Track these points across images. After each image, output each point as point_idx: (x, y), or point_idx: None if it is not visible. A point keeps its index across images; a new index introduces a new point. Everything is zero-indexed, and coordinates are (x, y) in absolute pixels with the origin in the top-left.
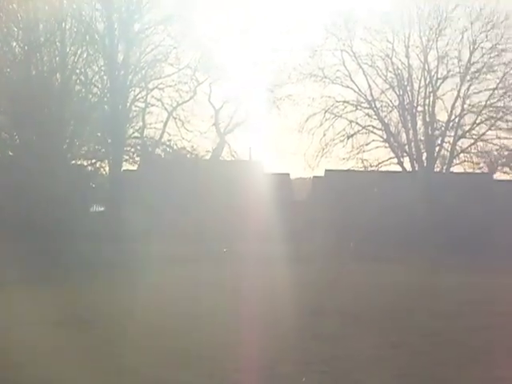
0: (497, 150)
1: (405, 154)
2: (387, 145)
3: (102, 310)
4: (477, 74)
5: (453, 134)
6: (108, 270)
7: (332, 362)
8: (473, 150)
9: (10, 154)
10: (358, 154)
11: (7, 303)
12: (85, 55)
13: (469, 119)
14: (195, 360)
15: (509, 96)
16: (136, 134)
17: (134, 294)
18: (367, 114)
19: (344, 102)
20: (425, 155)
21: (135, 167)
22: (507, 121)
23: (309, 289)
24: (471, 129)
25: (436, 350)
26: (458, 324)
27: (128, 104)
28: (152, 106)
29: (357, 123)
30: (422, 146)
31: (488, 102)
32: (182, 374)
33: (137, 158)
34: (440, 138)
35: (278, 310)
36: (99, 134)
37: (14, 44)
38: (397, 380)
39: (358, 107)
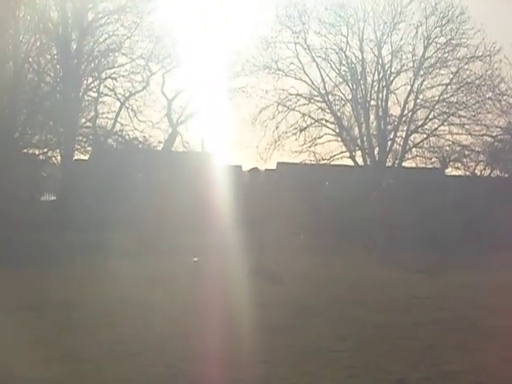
0: (449, 145)
1: (357, 148)
2: (339, 139)
3: (44, 298)
4: (430, 69)
5: (405, 128)
6: (51, 261)
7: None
8: (425, 145)
9: None
10: (310, 147)
11: None
12: (38, 44)
13: (421, 114)
14: (144, 349)
15: (462, 91)
16: (88, 124)
17: (71, 286)
18: (320, 108)
19: (297, 95)
20: (377, 149)
21: (87, 157)
22: (460, 116)
23: (259, 281)
24: (424, 124)
25: (383, 343)
26: (405, 318)
27: (80, 93)
28: (105, 95)
29: (310, 116)
30: (374, 141)
31: (441, 97)
32: (132, 362)
33: (88, 148)
34: (392, 133)
35: (223, 302)
36: (51, 123)
37: None
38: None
39: (311, 100)
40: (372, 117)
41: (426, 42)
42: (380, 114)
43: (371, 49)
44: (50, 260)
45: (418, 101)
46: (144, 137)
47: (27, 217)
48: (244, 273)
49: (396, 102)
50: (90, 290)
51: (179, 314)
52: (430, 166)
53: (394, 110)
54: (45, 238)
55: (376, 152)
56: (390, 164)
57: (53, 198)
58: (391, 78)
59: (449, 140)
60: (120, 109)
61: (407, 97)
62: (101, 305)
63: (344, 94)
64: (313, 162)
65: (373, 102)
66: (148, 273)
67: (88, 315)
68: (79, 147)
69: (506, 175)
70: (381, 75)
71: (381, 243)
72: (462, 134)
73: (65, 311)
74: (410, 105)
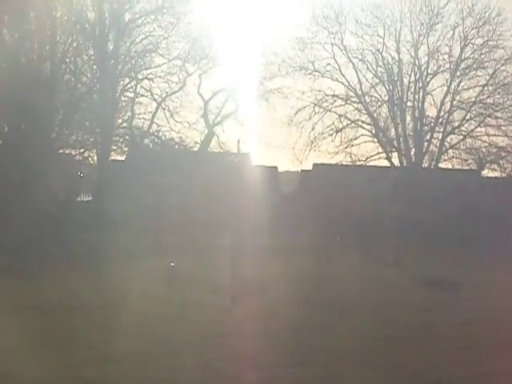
0: (485, 146)
1: (393, 149)
2: (376, 140)
3: (84, 298)
4: (467, 71)
5: (442, 129)
6: (91, 260)
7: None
8: (461, 147)
9: None
10: (346, 148)
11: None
12: (75, 44)
13: (458, 115)
14: (182, 349)
15: (499, 93)
16: (125, 124)
17: (114, 284)
18: (356, 109)
19: (333, 95)
20: (413, 151)
21: (123, 157)
22: (496, 118)
23: (296, 281)
24: (460, 125)
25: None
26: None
27: (117, 94)
28: (141, 96)
29: (346, 117)
30: (410, 142)
31: (478, 99)
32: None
33: (125, 148)
34: (429, 134)
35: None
36: (88, 124)
37: (5, 31)
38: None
39: (348, 101)
40: (408, 118)
41: (462, 43)
42: (416, 115)
43: (408, 50)
44: (86, 260)
45: (455, 102)
46: (180, 137)
47: (64, 217)
48: (278, 273)
49: (432, 103)
50: (128, 289)
51: (216, 315)
52: (467, 168)
53: (431, 112)
54: (82, 237)
55: (412, 153)
56: (426, 165)
57: (89, 198)
58: (428, 79)
59: (485, 141)
60: (156, 109)
61: (444, 98)
62: (139, 304)
63: (380, 95)
64: (349, 163)
65: (409, 103)
66: (186, 271)
67: (126, 315)
68: (115, 148)
69: None
70: (417, 76)
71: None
72: (498, 135)
73: (104, 311)
74: (447, 106)
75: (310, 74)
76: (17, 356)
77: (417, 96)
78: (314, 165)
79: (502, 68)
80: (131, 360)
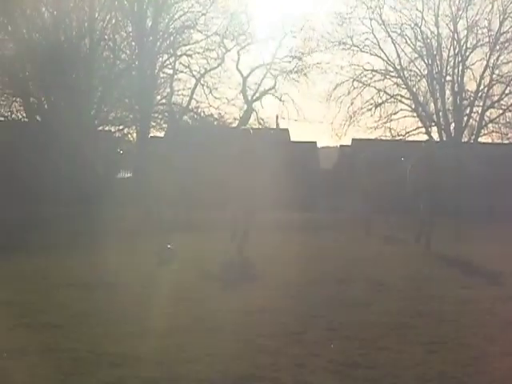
0: None
1: (433, 124)
2: (415, 114)
3: (123, 274)
4: (506, 44)
5: (481, 104)
6: (132, 236)
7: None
8: (501, 121)
9: (38, 119)
10: (385, 123)
11: (39, 267)
12: (113, 21)
13: (498, 89)
14: (222, 325)
15: None
16: (163, 101)
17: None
18: (395, 83)
19: (372, 70)
20: (453, 125)
21: (162, 134)
22: None
23: (337, 258)
24: (500, 99)
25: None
26: (487, 293)
27: (156, 70)
28: (180, 72)
29: (385, 92)
30: (450, 116)
31: None
32: (212, 338)
33: (164, 125)
34: (468, 108)
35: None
36: (127, 101)
37: (44, 9)
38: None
39: (387, 76)
40: (448, 92)
41: (501, 16)
42: (456, 89)
43: (447, 24)
44: (129, 235)
45: (494, 76)
46: (219, 113)
47: (104, 193)
48: (318, 249)
49: (472, 77)
50: (170, 265)
51: (256, 291)
52: (507, 142)
53: (470, 86)
54: (121, 213)
55: (452, 128)
56: (465, 140)
57: (128, 175)
58: (467, 53)
59: None
60: (195, 86)
61: (483, 72)
62: (180, 280)
63: (419, 70)
64: (388, 138)
65: (448, 78)
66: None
67: (166, 291)
68: (155, 124)
69: None
70: (456, 50)
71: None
72: None
73: (146, 287)
74: (486, 80)
75: (348, 48)
76: (61, 332)
77: (456, 70)
78: (353, 140)
79: None
80: (172, 336)
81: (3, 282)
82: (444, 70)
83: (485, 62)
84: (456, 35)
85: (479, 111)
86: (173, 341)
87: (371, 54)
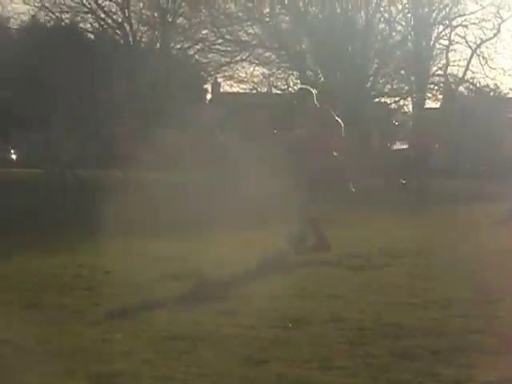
0: None
1: None
2: None
3: (408, 244)
4: None
5: None
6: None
7: None
8: None
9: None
10: None
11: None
12: None
13: None
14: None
15: None
16: (439, 72)
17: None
18: None
19: None
20: None
21: (438, 105)
22: None
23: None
24: None
25: None
26: None
27: (431, 42)
28: (455, 43)
29: None
30: None
31: None
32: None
33: (439, 96)
34: None
35: None
36: (402, 72)
37: None
38: None
39: None
40: None
41: None
42: None
43: None
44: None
45: None
46: (495, 84)
47: (379, 164)
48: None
49: None
50: (445, 237)
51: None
52: None
53: None
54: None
55: None
56: None
57: (404, 146)
58: None
59: None
60: (471, 56)
61: None
62: (455, 252)
63: None
64: None
65: None
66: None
67: (446, 262)
68: (430, 95)
69: None
70: None
71: None
72: None
73: (416, 258)
74: None
75: None
76: (341, 304)
77: None
78: None
79: None
80: (454, 307)
81: None
82: None
83: None
84: None
85: None
86: (455, 312)
87: None
